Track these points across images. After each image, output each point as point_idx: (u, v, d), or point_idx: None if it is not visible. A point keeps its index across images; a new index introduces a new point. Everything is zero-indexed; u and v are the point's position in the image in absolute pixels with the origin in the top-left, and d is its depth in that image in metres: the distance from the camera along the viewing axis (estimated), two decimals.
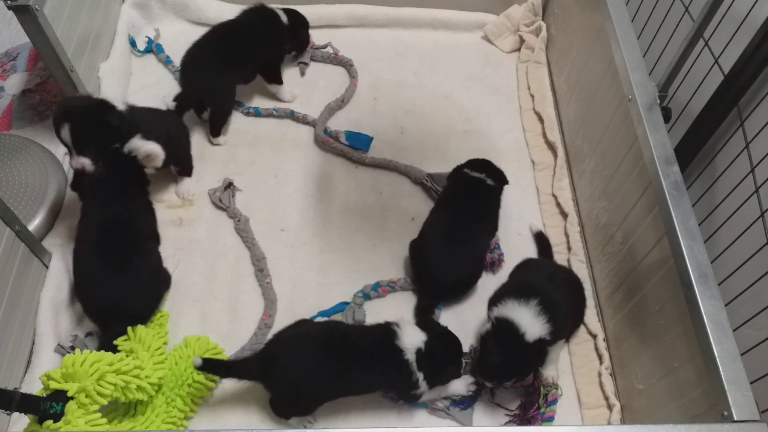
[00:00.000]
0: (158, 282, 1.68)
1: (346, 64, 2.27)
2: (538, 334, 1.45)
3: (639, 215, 1.56)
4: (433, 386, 1.50)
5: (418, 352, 1.46)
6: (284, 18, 2.09)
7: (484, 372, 1.50)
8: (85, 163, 1.55)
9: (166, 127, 1.82)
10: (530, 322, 1.45)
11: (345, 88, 2.21)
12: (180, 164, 1.92)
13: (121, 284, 1.55)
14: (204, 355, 1.56)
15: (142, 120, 1.69)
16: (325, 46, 2.30)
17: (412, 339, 1.47)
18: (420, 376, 1.46)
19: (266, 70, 2.11)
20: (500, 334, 1.47)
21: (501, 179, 1.80)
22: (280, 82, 2.14)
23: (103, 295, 1.56)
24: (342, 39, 2.34)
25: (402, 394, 1.56)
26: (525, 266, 1.73)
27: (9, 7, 1.64)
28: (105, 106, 1.61)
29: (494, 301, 1.54)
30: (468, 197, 1.77)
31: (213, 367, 1.48)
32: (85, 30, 1.97)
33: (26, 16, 1.67)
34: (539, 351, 1.48)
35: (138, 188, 1.72)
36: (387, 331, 1.49)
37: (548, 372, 1.58)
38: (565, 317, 1.54)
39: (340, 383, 1.48)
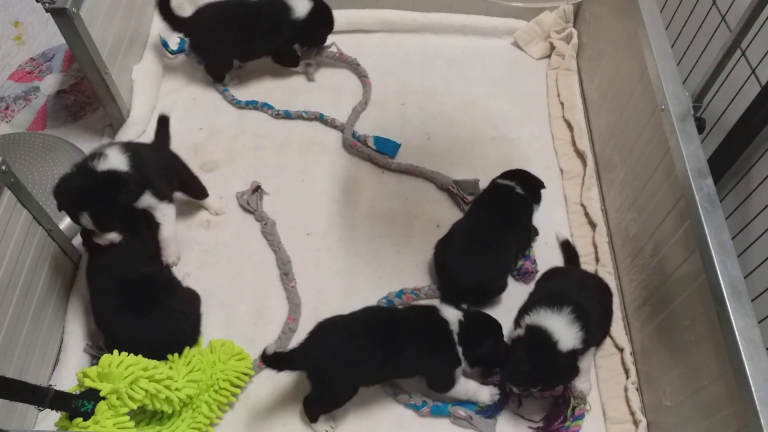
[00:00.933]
0: (189, 320, 1.64)
1: (352, 64, 2.25)
2: (572, 344, 1.45)
3: (670, 228, 1.53)
4: (473, 364, 1.54)
5: (460, 322, 1.52)
6: (301, 10, 2.08)
7: (513, 377, 1.50)
8: (113, 237, 1.51)
9: (161, 160, 1.76)
10: (564, 330, 1.45)
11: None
12: (189, 190, 1.86)
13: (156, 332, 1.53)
14: (229, 360, 1.57)
15: (142, 158, 1.62)
16: (329, 46, 2.25)
17: (453, 313, 1.54)
18: (460, 349, 1.51)
19: (276, 54, 2.19)
20: (532, 342, 1.47)
21: (534, 192, 1.79)
22: (293, 65, 2.22)
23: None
24: (371, 44, 2.34)
25: (442, 374, 1.55)
26: (553, 274, 1.72)
27: (47, 10, 1.68)
28: (115, 179, 1.51)
29: (525, 309, 1.54)
30: (500, 204, 1.76)
31: (275, 361, 1.47)
32: (120, 33, 2.01)
33: (63, 18, 1.71)
34: (572, 361, 1.46)
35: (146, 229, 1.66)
36: (430, 308, 1.57)
37: (581, 384, 1.55)
38: (596, 325, 1.54)
39: (388, 364, 1.50)
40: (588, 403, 1.59)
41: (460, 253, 1.70)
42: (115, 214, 1.52)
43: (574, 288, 1.56)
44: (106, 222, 1.50)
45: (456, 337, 1.51)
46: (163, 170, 1.72)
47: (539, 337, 1.45)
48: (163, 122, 1.91)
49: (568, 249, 1.86)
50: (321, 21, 2.15)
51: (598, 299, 1.59)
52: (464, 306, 1.61)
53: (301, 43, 2.17)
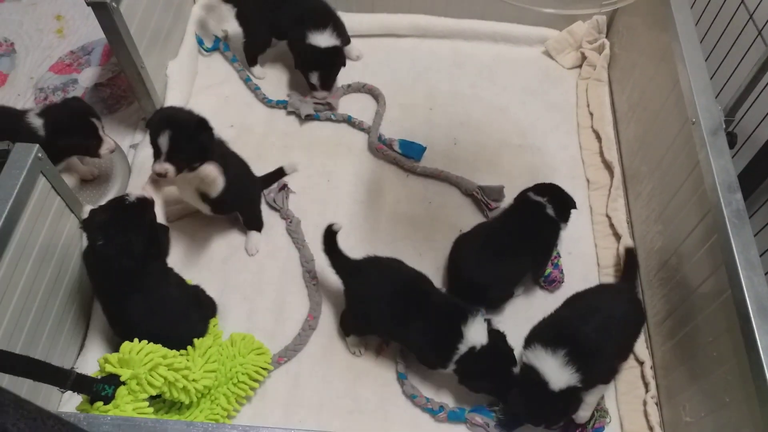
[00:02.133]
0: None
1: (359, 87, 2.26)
2: (566, 383, 1.42)
3: (696, 242, 1.51)
4: (462, 383, 1.56)
5: (471, 349, 1.50)
6: (331, 39, 2.04)
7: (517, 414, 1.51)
8: (170, 169, 1.55)
9: (236, 169, 1.78)
10: (555, 372, 1.42)
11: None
12: (245, 213, 1.89)
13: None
14: (249, 354, 1.59)
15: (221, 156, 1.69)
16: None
17: (476, 333, 1.51)
18: (453, 366, 1.52)
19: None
20: (526, 383, 1.46)
21: (563, 212, 1.75)
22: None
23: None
24: (402, 48, 2.36)
25: (429, 361, 1.60)
26: (577, 302, 1.64)
27: (88, 3, 1.72)
28: (205, 124, 1.62)
29: (528, 339, 1.53)
30: (526, 219, 1.74)
31: (329, 241, 1.65)
32: (157, 28, 2.05)
33: (103, 12, 1.75)
34: (568, 398, 1.44)
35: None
36: (462, 311, 1.54)
37: (582, 412, 1.51)
38: (603, 362, 1.50)
39: (401, 326, 1.57)
40: (609, 416, 1.58)
41: (472, 251, 1.72)
42: (187, 151, 1.58)
43: (585, 322, 1.50)
44: (176, 152, 1.56)
45: (458, 356, 1.51)
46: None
47: (532, 379, 1.44)
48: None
49: (630, 257, 1.78)
50: (335, 56, 2.08)
51: (614, 334, 1.52)
52: (494, 328, 1.59)
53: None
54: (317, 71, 2.07)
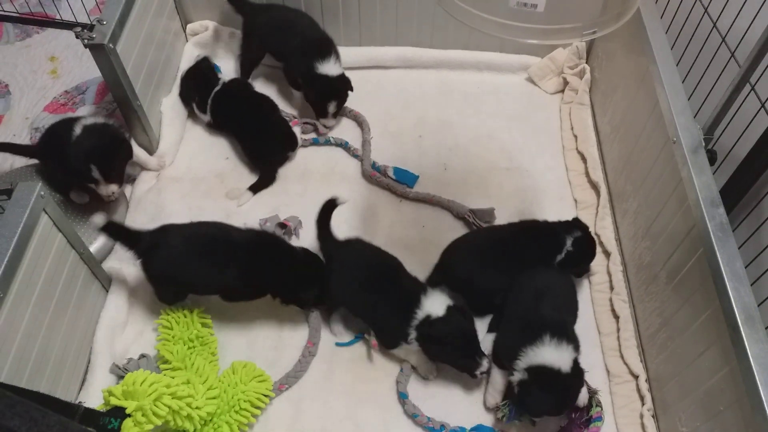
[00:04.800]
0: None
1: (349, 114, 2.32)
2: (571, 360, 1.48)
3: (683, 256, 1.56)
4: (426, 353, 1.64)
5: (428, 316, 1.58)
6: (337, 66, 2.15)
7: (536, 413, 1.53)
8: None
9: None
10: (560, 356, 1.48)
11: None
12: None
13: None
14: (250, 382, 1.61)
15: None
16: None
17: (437, 303, 1.60)
18: (414, 334, 1.59)
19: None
20: (543, 382, 1.48)
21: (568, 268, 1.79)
22: (296, 88, 2.28)
23: None
24: (390, 79, 2.42)
25: (387, 335, 1.69)
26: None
27: (86, 46, 1.77)
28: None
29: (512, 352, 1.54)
30: (532, 242, 1.80)
31: (325, 213, 1.78)
32: (152, 66, 2.10)
33: (101, 53, 1.80)
34: (577, 371, 1.50)
35: None
36: (420, 284, 1.69)
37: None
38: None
39: (366, 297, 1.68)
40: (602, 409, 1.60)
41: (462, 247, 1.82)
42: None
43: (543, 307, 1.59)
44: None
45: (415, 321, 1.58)
46: None
47: (548, 375, 1.47)
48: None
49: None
50: (340, 87, 2.17)
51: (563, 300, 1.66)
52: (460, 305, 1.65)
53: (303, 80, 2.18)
54: (335, 100, 2.16)
